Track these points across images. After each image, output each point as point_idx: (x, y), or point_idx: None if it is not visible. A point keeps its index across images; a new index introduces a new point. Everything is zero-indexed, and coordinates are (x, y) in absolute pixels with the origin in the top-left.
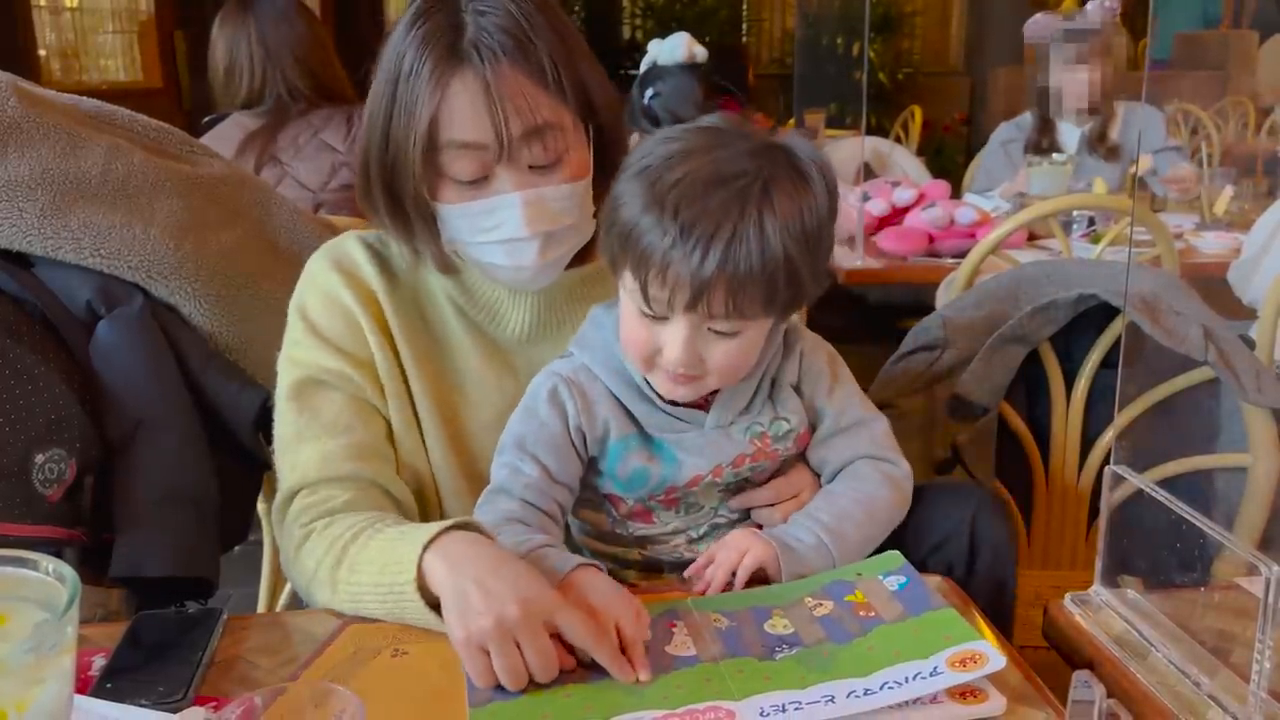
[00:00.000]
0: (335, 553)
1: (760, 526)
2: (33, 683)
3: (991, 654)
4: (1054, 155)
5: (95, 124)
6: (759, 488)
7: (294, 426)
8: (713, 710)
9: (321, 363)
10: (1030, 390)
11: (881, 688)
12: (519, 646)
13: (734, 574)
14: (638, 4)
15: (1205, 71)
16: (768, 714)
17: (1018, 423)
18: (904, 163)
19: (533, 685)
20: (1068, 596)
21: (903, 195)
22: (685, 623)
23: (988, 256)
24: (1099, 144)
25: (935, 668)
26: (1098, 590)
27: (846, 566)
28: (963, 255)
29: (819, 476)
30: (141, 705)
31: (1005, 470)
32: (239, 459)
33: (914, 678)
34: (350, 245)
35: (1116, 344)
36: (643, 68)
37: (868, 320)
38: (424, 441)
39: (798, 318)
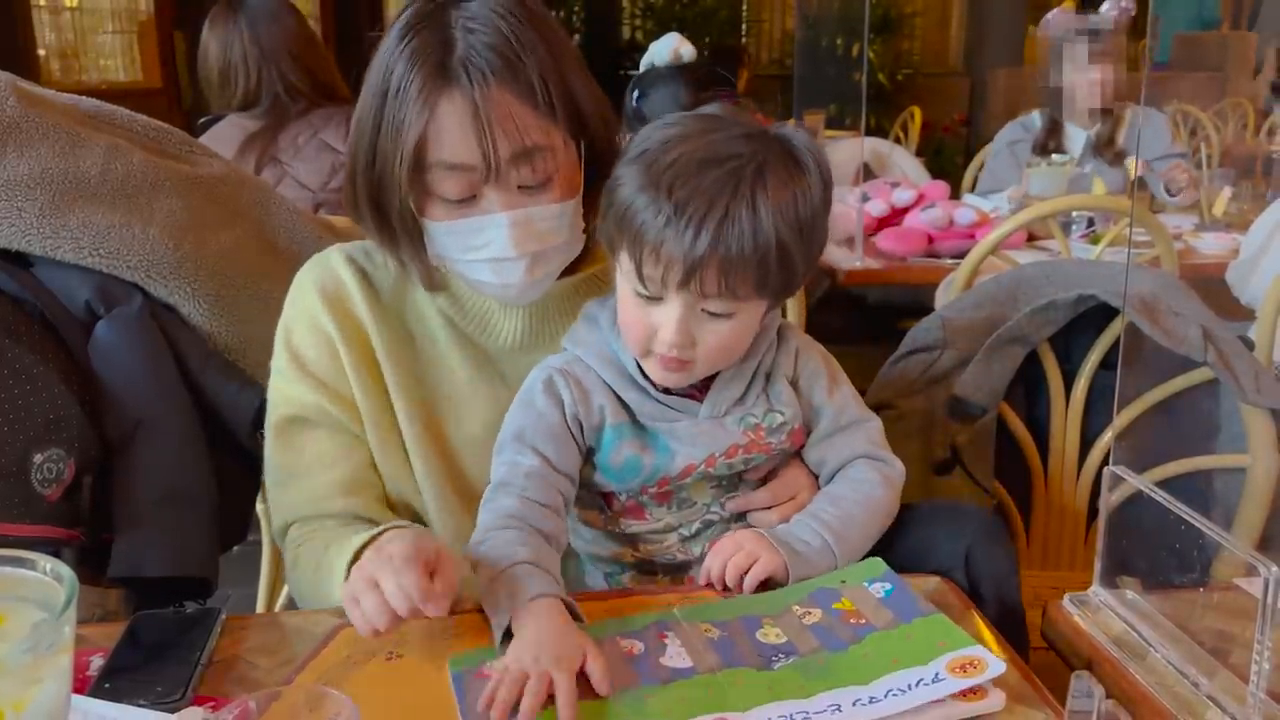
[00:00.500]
0: (315, 560)
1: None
2: (31, 682)
3: (990, 659)
4: (1053, 156)
5: (95, 124)
6: (755, 491)
7: (281, 463)
8: None
9: (302, 398)
10: (1029, 391)
11: (886, 695)
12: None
13: (740, 577)
14: (638, 4)
15: (1204, 73)
16: None
17: (1017, 423)
18: (903, 163)
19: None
20: (1067, 597)
21: (902, 196)
22: (676, 633)
23: (987, 257)
24: (1106, 149)
25: (937, 674)
26: (1097, 591)
27: (830, 574)
28: (962, 256)
29: (815, 477)
30: (140, 705)
31: (1004, 471)
32: (238, 459)
33: (917, 684)
34: (335, 263)
35: (1116, 345)
36: (641, 69)
37: (867, 321)
38: (409, 462)
39: (795, 319)
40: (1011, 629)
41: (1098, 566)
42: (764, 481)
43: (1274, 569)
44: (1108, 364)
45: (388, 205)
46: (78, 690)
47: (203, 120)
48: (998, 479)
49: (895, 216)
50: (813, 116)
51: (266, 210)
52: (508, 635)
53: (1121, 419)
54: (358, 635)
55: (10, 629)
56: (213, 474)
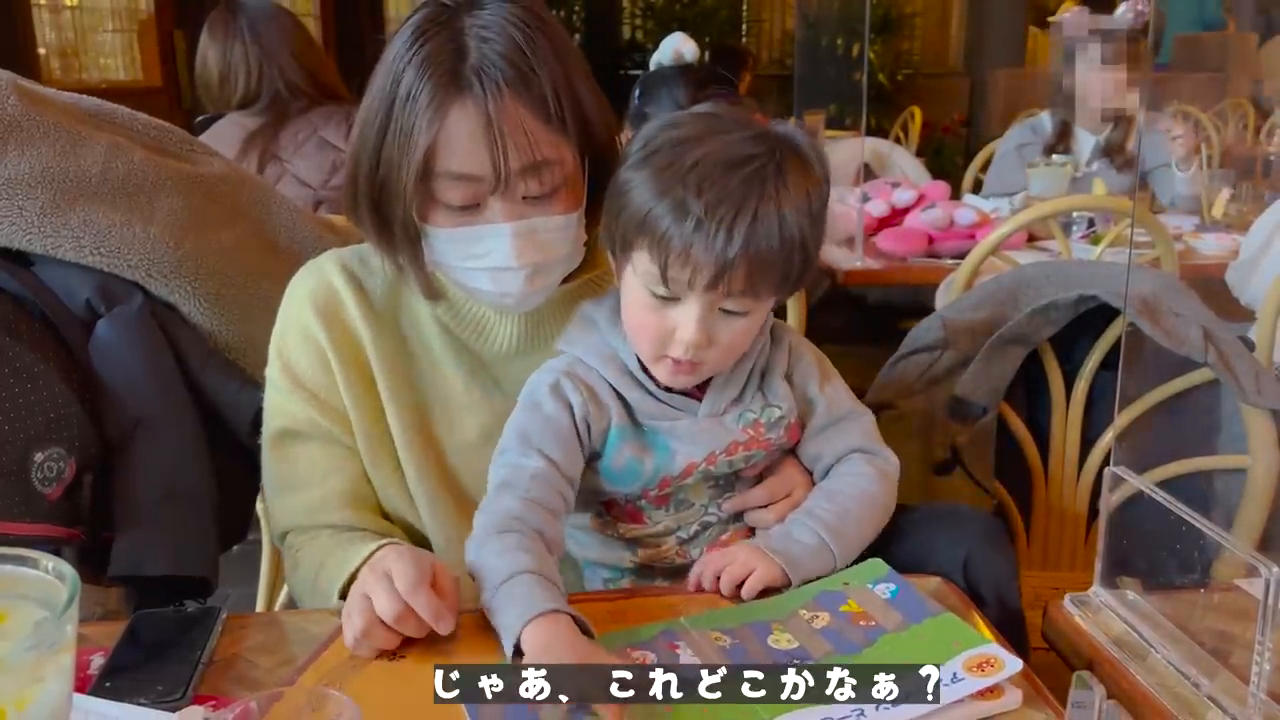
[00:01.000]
0: (314, 571)
1: (753, 532)
2: (32, 681)
3: (1006, 657)
4: (1053, 156)
5: (95, 122)
6: (751, 489)
7: (277, 473)
8: None
9: (295, 412)
10: (1030, 391)
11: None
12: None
13: (736, 587)
14: (638, 4)
15: (1204, 74)
16: None
17: (1017, 424)
18: (903, 164)
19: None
20: (1067, 597)
21: (902, 196)
22: (687, 642)
23: (987, 257)
24: (1116, 154)
25: (955, 674)
26: (1097, 591)
27: (832, 576)
28: (962, 256)
29: (809, 473)
30: (140, 704)
31: (1005, 471)
32: (238, 458)
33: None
34: (329, 271)
35: (1116, 345)
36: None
37: (867, 321)
38: (400, 469)
39: (795, 319)
40: (1011, 633)
41: (1098, 567)
42: (759, 480)
43: (1274, 569)
44: (1108, 364)
45: (389, 211)
46: (78, 689)
47: (201, 119)
48: (998, 479)
49: (895, 217)
50: (813, 116)
51: (267, 209)
52: (518, 651)
53: (1122, 419)
54: None
55: (12, 627)
56: (213, 473)
